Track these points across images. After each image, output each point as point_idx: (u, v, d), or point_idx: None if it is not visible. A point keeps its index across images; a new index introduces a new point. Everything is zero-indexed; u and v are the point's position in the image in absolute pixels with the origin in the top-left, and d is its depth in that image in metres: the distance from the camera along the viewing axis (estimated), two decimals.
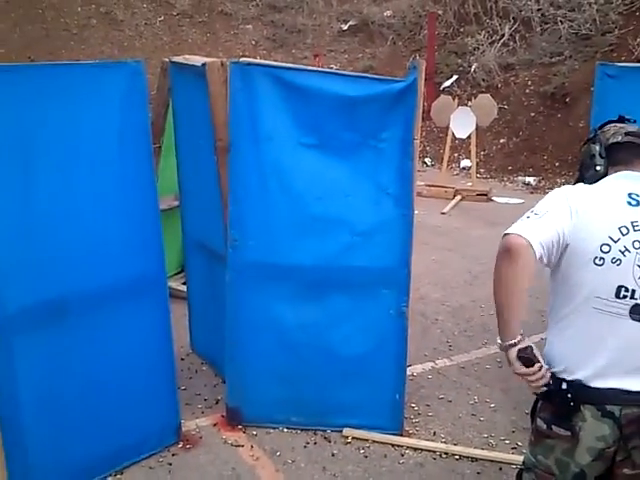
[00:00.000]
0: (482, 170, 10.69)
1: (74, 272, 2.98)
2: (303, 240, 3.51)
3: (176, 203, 5.00)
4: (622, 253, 1.86)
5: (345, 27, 15.73)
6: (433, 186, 9.33)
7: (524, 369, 1.94)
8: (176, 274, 5.56)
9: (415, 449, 3.51)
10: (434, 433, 3.67)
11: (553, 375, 1.99)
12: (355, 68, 13.78)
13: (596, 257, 1.88)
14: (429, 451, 3.50)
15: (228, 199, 3.54)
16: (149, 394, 3.29)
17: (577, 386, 1.93)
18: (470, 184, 9.62)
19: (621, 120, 2.12)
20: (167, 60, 4.49)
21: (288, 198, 3.51)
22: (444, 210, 8.56)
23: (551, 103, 10.91)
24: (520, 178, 10.23)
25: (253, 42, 16.05)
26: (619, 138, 2.03)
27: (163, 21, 15.47)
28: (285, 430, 3.64)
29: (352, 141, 3.47)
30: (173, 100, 4.36)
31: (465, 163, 10.91)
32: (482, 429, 3.71)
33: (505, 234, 1.93)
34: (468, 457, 3.45)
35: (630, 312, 1.87)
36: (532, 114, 11.06)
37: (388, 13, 15.02)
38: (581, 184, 2.05)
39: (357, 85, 3.44)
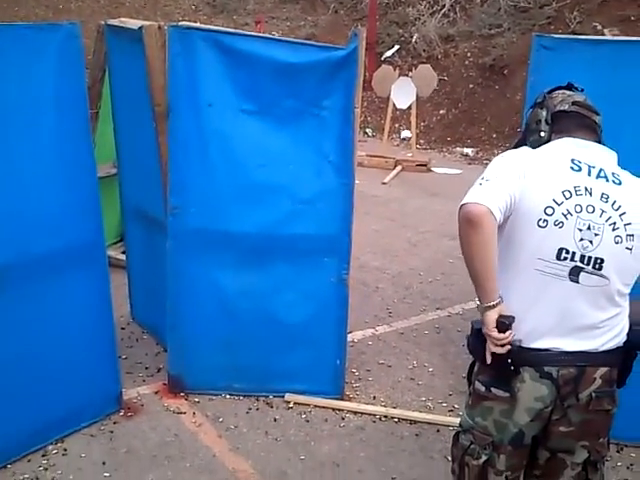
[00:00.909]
0: (422, 141, 10.81)
1: (9, 239, 2.89)
2: (245, 208, 3.50)
3: (114, 171, 4.91)
4: (564, 216, 1.90)
5: None
6: (374, 156, 9.39)
7: (495, 333, 1.95)
8: (115, 243, 5.47)
9: (355, 413, 3.58)
10: (374, 397, 3.75)
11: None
12: (297, 36, 13.68)
13: (540, 219, 1.91)
14: (369, 414, 3.57)
15: (168, 166, 3.49)
16: (89, 362, 3.25)
17: (516, 349, 1.97)
18: (410, 155, 9.73)
19: (569, 88, 2.14)
20: (103, 23, 4.36)
21: (229, 165, 3.48)
22: (385, 180, 8.64)
23: (489, 75, 11.08)
24: (459, 149, 10.39)
25: (193, 7, 15.75)
26: (566, 107, 2.06)
27: None
28: (227, 397, 3.66)
29: (293, 109, 3.45)
30: (109, 65, 4.25)
31: (405, 134, 11.02)
32: (420, 393, 3.81)
33: (462, 204, 1.90)
34: (407, 420, 3.54)
35: (569, 274, 1.92)
36: (471, 86, 11.22)
37: None
38: (525, 147, 2.07)
39: (298, 52, 3.41)
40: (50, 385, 3.11)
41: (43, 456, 3.12)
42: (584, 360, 1.97)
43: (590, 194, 1.92)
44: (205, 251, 3.54)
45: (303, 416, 3.54)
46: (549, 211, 1.91)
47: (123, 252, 5.03)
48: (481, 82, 11.15)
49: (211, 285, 3.56)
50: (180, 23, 3.52)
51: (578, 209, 1.91)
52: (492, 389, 2.05)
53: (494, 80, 10.98)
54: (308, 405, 3.61)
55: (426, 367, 4.11)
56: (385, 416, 3.56)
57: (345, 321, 3.64)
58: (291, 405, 3.61)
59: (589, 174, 1.95)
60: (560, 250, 1.91)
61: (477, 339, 2.05)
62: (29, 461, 3.08)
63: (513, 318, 1.95)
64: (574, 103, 2.06)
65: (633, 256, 1.94)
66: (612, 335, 1.99)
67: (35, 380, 3.04)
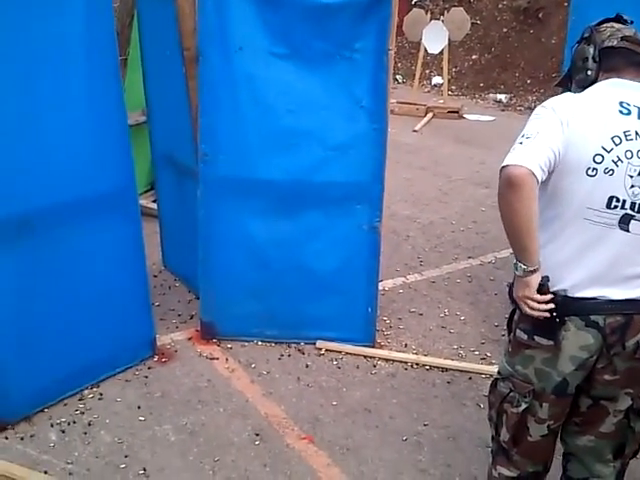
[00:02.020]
0: (453, 87, 10.60)
1: (40, 187, 2.88)
2: (275, 154, 3.46)
3: (143, 119, 4.88)
4: (615, 163, 1.83)
5: None
6: (405, 103, 9.24)
7: (538, 296, 1.90)
8: (145, 192, 5.48)
9: (387, 360, 3.59)
10: (405, 345, 3.75)
11: (542, 285, 1.94)
12: None
13: (589, 168, 1.84)
14: (400, 362, 3.57)
15: (198, 112, 3.45)
16: (123, 308, 3.28)
17: (561, 298, 1.92)
18: (442, 101, 9.55)
19: (618, 20, 2.01)
20: None
21: (259, 111, 3.42)
22: (416, 128, 8.52)
23: (524, 19, 10.77)
24: (491, 95, 10.18)
25: None
26: (614, 42, 1.95)
27: None
28: (259, 343, 3.68)
29: (325, 51, 3.36)
30: (138, 10, 4.18)
31: (436, 80, 10.81)
32: (452, 341, 3.80)
33: (504, 166, 1.82)
34: (438, 367, 3.53)
35: (619, 222, 1.86)
36: (504, 30, 10.93)
37: None
38: (568, 94, 1.99)
39: None
40: (85, 330, 3.15)
41: (80, 400, 3.17)
42: (632, 308, 1.93)
43: None
44: (236, 198, 3.52)
45: (335, 363, 3.55)
46: (598, 159, 1.83)
47: (154, 201, 5.04)
48: (515, 26, 10.85)
49: (242, 232, 3.55)
50: None
51: (629, 155, 1.83)
52: (535, 337, 2.00)
53: (528, 24, 10.67)
54: (340, 352, 3.62)
55: (458, 315, 4.09)
56: (417, 363, 3.56)
57: (377, 269, 3.62)
58: (323, 352, 3.62)
59: (639, 117, 1.86)
60: (611, 198, 1.85)
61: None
62: (65, 405, 3.13)
63: (548, 278, 1.91)
64: (623, 38, 1.94)
65: None
66: None
67: (70, 325, 3.08)
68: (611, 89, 1.92)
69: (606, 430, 2.07)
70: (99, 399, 3.19)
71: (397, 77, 11.44)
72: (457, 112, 9.08)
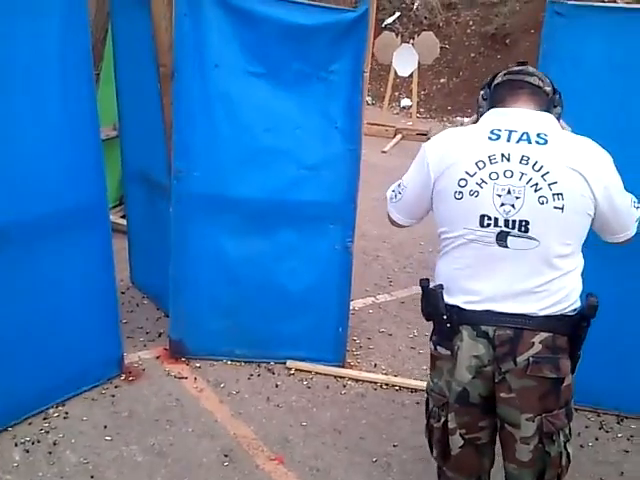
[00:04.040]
0: (422, 110, 10.73)
1: (11, 199, 2.83)
2: (250, 172, 3.46)
3: (115, 133, 4.84)
4: (479, 185, 1.92)
5: None
6: (374, 125, 9.30)
7: None
8: (114, 207, 5.42)
9: (357, 380, 3.58)
10: (375, 365, 3.75)
11: (430, 292, 2.06)
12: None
13: (455, 192, 1.96)
14: (370, 382, 3.57)
15: (172, 128, 3.43)
16: (91, 325, 3.22)
17: (455, 309, 2.00)
18: (410, 123, 9.65)
19: (517, 64, 2.16)
20: None
21: (235, 129, 3.43)
22: (385, 149, 8.58)
23: (491, 44, 10.97)
24: (459, 118, 10.32)
25: None
26: (499, 79, 2.09)
27: None
28: (229, 362, 3.64)
29: (301, 72, 3.39)
30: (112, 25, 4.16)
31: (405, 102, 10.93)
32: (421, 361, 3.81)
33: (388, 210, 2.24)
34: (408, 388, 3.54)
35: (497, 239, 1.93)
36: (472, 54, 11.11)
37: None
38: (450, 129, 2.13)
39: (308, 13, 3.34)
40: (51, 348, 3.08)
41: (44, 419, 3.10)
42: (521, 322, 1.96)
43: (508, 159, 1.92)
44: (208, 216, 3.50)
45: (305, 383, 3.54)
46: (462, 183, 1.95)
47: (122, 216, 4.98)
48: (483, 51, 11.04)
49: (215, 250, 3.53)
50: None
51: (494, 176, 1.93)
52: (438, 348, 2.08)
53: (496, 49, 10.88)
54: (310, 372, 3.61)
55: (427, 336, 4.00)
56: (386, 384, 3.56)
57: (348, 289, 3.63)
58: (292, 372, 3.61)
59: (508, 140, 1.95)
60: (482, 217, 1.94)
61: (422, 297, 2.12)
62: (30, 424, 3.06)
63: (442, 286, 2.03)
64: (506, 74, 2.09)
65: (566, 214, 1.90)
66: (553, 300, 1.96)
67: (36, 342, 3.01)
68: (487, 119, 2.05)
69: (525, 459, 2.05)
70: (64, 418, 3.12)
71: (367, 98, 11.54)
72: (426, 134, 9.16)
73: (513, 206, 1.91)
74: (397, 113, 10.79)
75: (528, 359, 1.95)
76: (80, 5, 2.95)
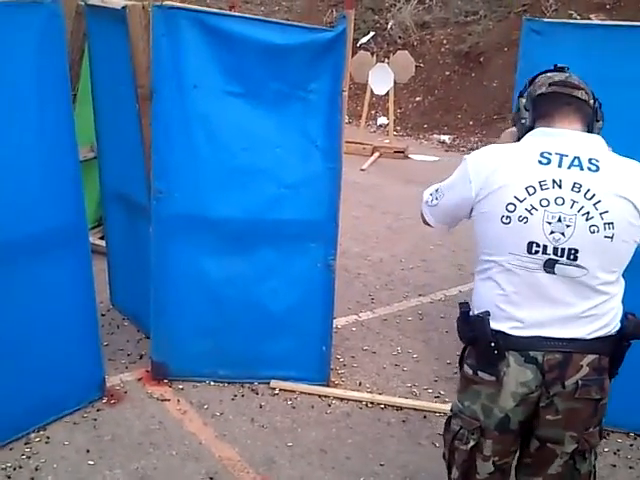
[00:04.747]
0: (398, 128, 10.79)
1: None
2: (229, 192, 3.45)
3: (92, 154, 4.81)
4: (528, 211, 1.89)
5: None
6: (352, 143, 9.32)
7: None
8: (92, 228, 5.36)
9: (342, 399, 3.56)
10: (360, 383, 3.73)
11: (477, 319, 2.02)
12: None
13: (503, 216, 1.92)
14: (355, 401, 3.55)
15: (151, 149, 3.42)
16: (71, 348, 3.18)
17: (501, 334, 1.98)
18: (387, 141, 9.71)
19: (556, 69, 2.08)
20: (82, 3, 4.25)
21: (214, 149, 3.42)
22: (363, 167, 8.62)
23: (465, 62, 11.09)
24: (435, 136, 10.40)
25: None
26: (544, 89, 2.00)
27: None
28: (212, 384, 3.61)
29: (280, 91, 3.40)
30: (89, 46, 4.14)
31: (382, 120, 11.00)
32: (406, 379, 3.80)
33: (421, 214, 2.25)
34: (393, 406, 3.52)
35: (544, 266, 1.91)
36: (447, 73, 11.22)
37: None
38: (494, 146, 2.07)
39: (285, 33, 3.35)
40: (31, 372, 3.04)
41: (26, 444, 3.05)
42: (570, 347, 1.96)
43: (560, 186, 1.89)
44: (189, 236, 3.48)
45: (289, 402, 3.51)
46: (510, 208, 1.91)
47: (101, 237, 4.94)
48: (457, 69, 11.16)
49: (195, 271, 3.51)
50: (164, 2, 3.43)
51: (544, 203, 1.90)
52: (479, 372, 2.04)
53: (470, 67, 11.00)
54: (294, 391, 3.58)
55: (410, 353, 4.10)
56: (371, 402, 3.54)
57: (331, 307, 3.62)
58: (277, 392, 3.58)
59: (559, 165, 1.92)
60: (530, 244, 1.91)
61: (463, 322, 2.07)
62: (11, 449, 3.00)
63: (489, 313, 1.99)
64: (551, 84, 2.01)
65: (615, 243, 1.90)
66: (602, 323, 1.97)
67: (16, 366, 2.97)
68: (535, 140, 1.99)
69: (553, 472, 2.07)
70: (46, 442, 3.07)
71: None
72: (403, 152, 9.24)
73: (563, 234, 1.88)
74: (374, 131, 10.85)
75: (577, 382, 1.95)
76: (57, 27, 2.94)
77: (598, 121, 2.04)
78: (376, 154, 9.16)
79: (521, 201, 1.91)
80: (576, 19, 9.06)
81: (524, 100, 2.06)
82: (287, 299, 3.57)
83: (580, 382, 1.96)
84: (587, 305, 1.94)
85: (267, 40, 3.31)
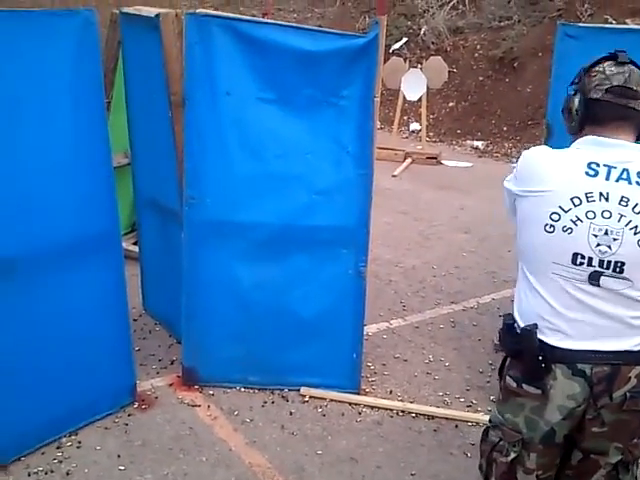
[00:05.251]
0: (431, 134, 10.73)
1: (23, 230, 2.85)
2: (261, 198, 3.45)
3: (126, 161, 4.86)
4: (573, 223, 1.87)
5: None
6: (384, 149, 9.29)
7: None
8: (126, 234, 5.42)
9: (372, 407, 3.54)
10: (390, 392, 3.70)
11: (525, 332, 1.98)
12: None
13: (547, 224, 1.90)
14: (386, 409, 3.53)
15: (183, 156, 3.44)
16: (104, 354, 3.21)
17: (547, 347, 1.94)
18: (420, 147, 9.65)
19: (614, 58, 1.95)
20: (117, 12, 4.30)
21: (246, 155, 3.43)
22: (395, 173, 8.57)
23: (499, 67, 10.98)
24: (468, 142, 10.30)
25: None
26: (599, 94, 1.92)
27: None
28: (243, 390, 3.61)
29: (312, 98, 3.40)
30: (123, 53, 4.18)
31: (414, 126, 10.94)
32: (437, 387, 3.76)
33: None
34: (424, 415, 3.49)
35: (589, 278, 1.89)
36: (481, 78, 11.12)
37: None
38: (544, 148, 2.03)
39: (317, 40, 3.35)
40: (64, 376, 3.07)
41: (57, 448, 3.08)
42: (619, 358, 1.92)
43: (606, 199, 1.86)
44: (221, 242, 3.49)
45: (319, 410, 3.49)
46: (555, 217, 1.89)
47: (134, 243, 4.98)
48: (491, 75, 11.05)
49: (227, 277, 3.52)
50: (197, 10, 3.46)
51: (591, 215, 1.86)
52: (524, 385, 2.00)
53: (504, 73, 10.88)
54: (324, 399, 3.57)
55: (442, 361, 4.06)
56: (402, 411, 3.51)
57: (362, 314, 3.60)
58: (307, 399, 3.56)
59: (607, 177, 1.87)
60: (575, 255, 1.88)
61: (508, 334, 2.03)
62: (43, 454, 3.04)
63: (536, 325, 1.96)
64: (608, 90, 1.91)
65: None
66: None
67: (49, 371, 3.00)
68: (584, 148, 1.94)
69: None
70: (77, 447, 3.10)
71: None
72: (435, 158, 9.17)
73: (610, 247, 1.86)
74: (406, 137, 10.80)
75: (625, 394, 1.93)
76: (92, 35, 2.98)
77: None
78: (408, 160, 9.11)
79: (566, 211, 1.88)
80: (611, 23, 8.92)
81: (577, 100, 1.97)
82: (318, 305, 3.56)
83: (628, 394, 1.93)
84: (633, 316, 1.91)
85: (300, 47, 3.32)
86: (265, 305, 3.55)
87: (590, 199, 1.87)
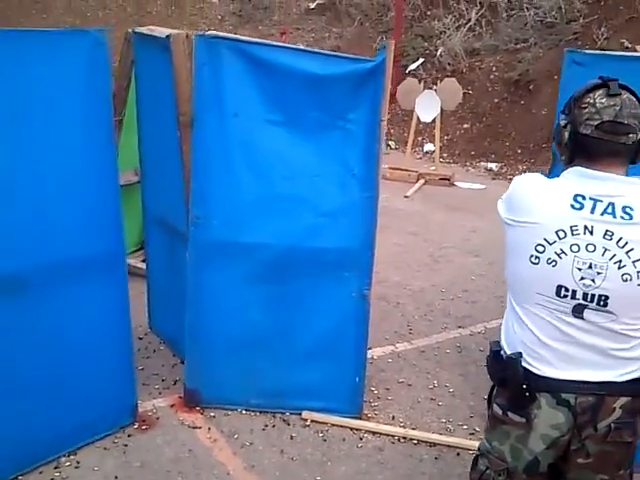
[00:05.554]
0: (445, 155, 10.71)
1: (30, 246, 2.87)
2: (268, 219, 3.45)
3: (136, 179, 4.90)
4: (558, 255, 1.86)
5: (313, 5, 15.58)
6: (397, 169, 9.31)
7: None
8: (135, 251, 5.44)
9: (374, 433, 3.50)
10: (393, 417, 3.67)
11: (509, 360, 1.98)
12: (322, 47, 13.65)
13: (532, 255, 1.89)
14: (388, 435, 3.49)
15: (191, 176, 3.45)
16: (105, 373, 3.20)
17: (532, 375, 1.94)
18: (433, 168, 9.64)
19: (607, 90, 1.89)
20: (130, 31, 4.35)
21: (253, 176, 3.44)
22: (407, 194, 8.55)
23: (515, 90, 10.95)
24: (482, 164, 10.27)
25: (219, 17, 15.77)
26: (588, 130, 1.87)
27: None
28: (244, 412, 3.59)
29: (319, 120, 3.40)
30: (136, 72, 4.23)
31: (428, 147, 10.93)
32: (441, 414, 3.72)
33: None
34: (426, 442, 3.45)
35: (573, 310, 1.88)
36: (496, 100, 11.11)
37: None
38: (538, 176, 2.01)
39: (325, 63, 3.36)
40: (64, 395, 3.07)
41: (55, 468, 3.07)
42: (603, 389, 1.92)
43: (591, 233, 1.85)
44: (226, 262, 3.49)
45: (320, 435, 3.46)
46: (540, 249, 1.88)
47: (143, 260, 4.99)
48: (506, 97, 11.03)
49: (231, 297, 3.51)
50: (207, 32, 3.48)
51: (575, 249, 1.86)
52: (509, 413, 2.00)
53: (519, 95, 10.85)
54: (326, 423, 3.53)
55: (447, 387, 4.02)
56: (404, 437, 3.47)
57: (365, 338, 3.57)
58: (308, 423, 3.53)
59: (592, 211, 1.85)
60: (559, 287, 1.88)
61: (494, 361, 2.05)
62: (41, 473, 3.03)
63: (521, 354, 1.96)
64: (598, 126, 1.86)
65: None
66: (635, 366, 1.92)
67: (49, 389, 3.00)
68: (572, 179, 1.92)
69: None
70: (76, 467, 3.09)
71: (390, 143, 11.58)
72: (448, 179, 9.15)
73: (593, 281, 1.85)
74: (420, 158, 10.78)
75: (609, 425, 1.92)
76: (102, 55, 3.00)
77: None
78: (421, 181, 9.10)
79: (550, 244, 1.88)
80: (627, 47, 8.89)
81: (567, 134, 1.93)
82: (321, 328, 3.54)
83: (613, 425, 1.92)
84: (618, 348, 1.90)
85: (308, 70, 3.33)
86: (268, 327, 3.53)
87: (575, 232, 1.86)
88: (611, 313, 1.86)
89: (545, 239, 1.88)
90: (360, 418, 3.59)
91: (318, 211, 3.46)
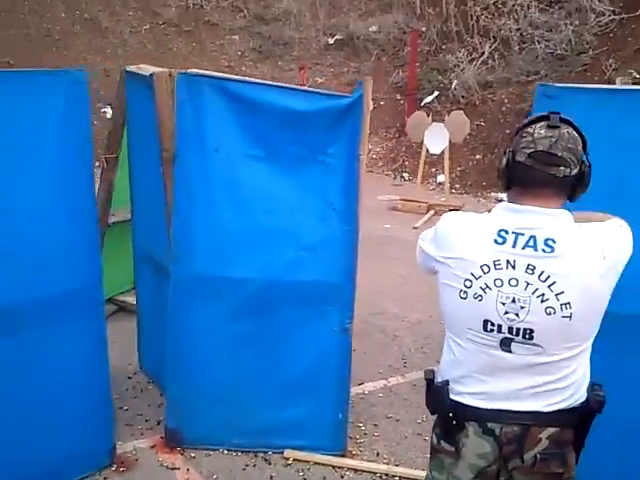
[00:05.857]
0: (457, 185, 10.69)
1: (4, 283, 2.87)
2: (249, 254, 3.44)
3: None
4: (483, 290, 1.86)
5: (331, 41, 15.78)
6: (408, 201, 9.31)
7: None
8: (133, 289, 5.44)
9: (356, 470, 3.43)
10: (377, 454, 3.60)
11: (437, 389, 2.00)
12: (340, 82, 13.86)
13: (461, 290, 1.89)
14: (370, 472, 3.42)
15: (172, 211, 3.47)
16: (81, 414, 3.16)
17: (460, 405, 1.95)
18: (443, 199, 9.61)
19: (547, 123, 1.87)
20: (124, 69, 4.42)
21: (235, 211, 3.44)
22: (416, 225, 8.52)
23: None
24: (493, 194, 10.22)
25: (239, 53, 16.00)
26: (522, 158, 1.86)
27: (149, 29, 15.35)
28: (225, 452, 3.53)
29: (299, 155, 3.42)
30: (127, 110, 4.29)
31: (441, 178, 10.91)
32: (426, 449, 3.55)
33: None
34: (409, 478, 3.37)
35: (500, 344, 1.88)
36: (507, 131, 11.06)
37: (373, 28, 15.09)
38: (463, 214, 2.01)
39: (304, 99, 3.40)
40: (38, 436, 3.02)
41: None
42: (529, 419, 1.90)
43: (513, 267, 1.84)
44: (207, 297, 3.47)
45: (301, 474, 3.40)
46: (467, 284, 1.88)
47: None
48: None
49: (212, 333, 3.48)
50: (189, 70, 3.53)
51: (498, 283, 1.85)
52: (442, 442, 2.01)
53: None
54: (308, 462, 3.47)
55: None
56: (387, 474, 3.40)
57: (348, 373, 3.52)
58: (290, 462, 3.47)
59: (514, 245, 1.84)
60: (485, 322, 1.88)
61: (427, 389, 2.07)
62: None
63: (447, 382, 1.98)
64: (531, 155, 1.84)
65: (574, 321, 1.82)
66: (563, 396, 1.90)
67: (22, 430, 2.96)
68: (499, 214, 1.92)
69: None
70: None
71: (404, 175, 11.64)
72: (458, 210, 9.11)
73: (517, 315, 1.85)
74: (433, 189, 10.77)
75: (535, 456, 1.90)
76: (81, 94, 3.04)
77: (582, 186, 1.92)
78: (431, 212, 9.07)
79: (476, 279, 1.87)
80: (635, 78, 8.84)
81: (504, 160, 1.92)
82: (304, 364, 3.50)
83: (539, 456, 1.89)
84: (544, 380, 1.89)
85: (287, 106, 3.36)
86: (250, 363, 3.49)
87: (498, 267, 1.85)
88: (538, 346, 1.85)
89: (472, 274, 1.87)
90: (344, 455, 3.53)
91: (299, 245, 3.45)
